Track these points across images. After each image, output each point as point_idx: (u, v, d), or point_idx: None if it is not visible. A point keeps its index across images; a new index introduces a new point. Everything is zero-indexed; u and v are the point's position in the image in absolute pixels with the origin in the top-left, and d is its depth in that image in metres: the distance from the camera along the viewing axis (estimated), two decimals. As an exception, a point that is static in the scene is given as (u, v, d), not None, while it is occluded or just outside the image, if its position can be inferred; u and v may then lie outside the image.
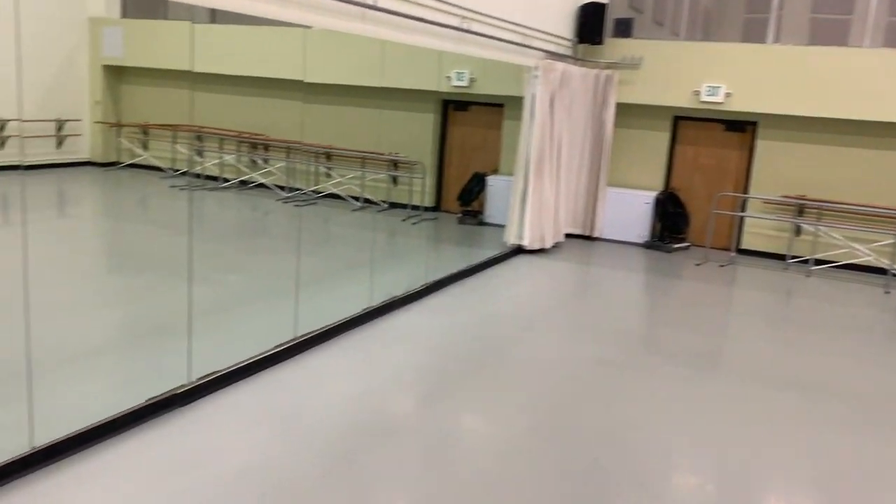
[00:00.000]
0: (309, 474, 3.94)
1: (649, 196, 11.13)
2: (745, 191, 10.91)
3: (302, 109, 13.03)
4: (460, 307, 7.39)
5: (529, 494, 3.92)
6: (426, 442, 4.42)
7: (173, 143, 14.25)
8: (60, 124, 13.96)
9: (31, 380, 4.01)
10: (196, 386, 4.73)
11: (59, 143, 14.04)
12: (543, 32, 9.62)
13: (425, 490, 3.88)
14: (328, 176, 13.00)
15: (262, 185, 13.37)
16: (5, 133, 12.85)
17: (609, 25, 11.12)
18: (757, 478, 4.31)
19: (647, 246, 11.11)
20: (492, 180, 11.76)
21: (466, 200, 11.84)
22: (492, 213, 11.70)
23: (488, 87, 11.54)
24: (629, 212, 11.21)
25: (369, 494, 3.80)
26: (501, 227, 10.57)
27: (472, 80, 11.59)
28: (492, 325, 6.88)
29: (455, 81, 11.66)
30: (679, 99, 10.82)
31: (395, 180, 12.56)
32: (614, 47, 11.11)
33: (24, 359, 3.98)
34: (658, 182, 11.43)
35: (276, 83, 12.98)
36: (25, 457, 3.70)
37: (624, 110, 11.23)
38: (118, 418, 4.21)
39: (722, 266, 10.11)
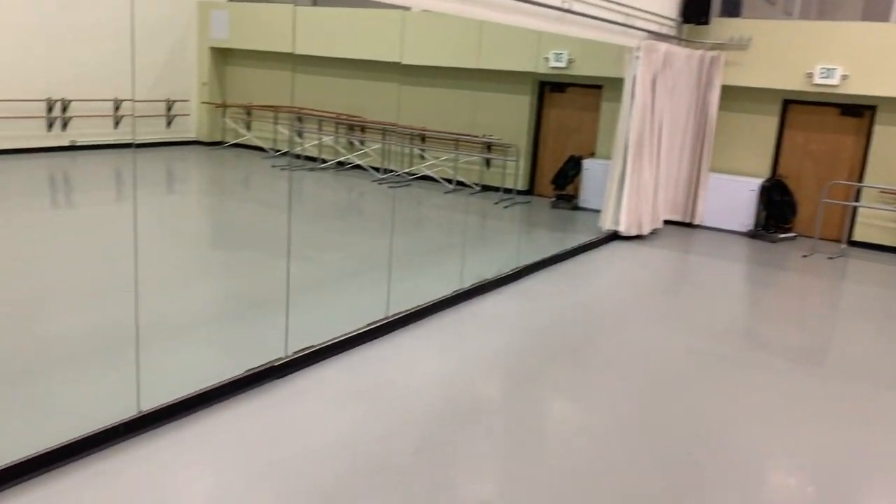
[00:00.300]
0: (399, 451, 3.98)
1: (754, 183, 10.64)
2: (860, 179, 10.26)
3: (398, 91, 13.13)
4: (552, 292, 7.29)
5: (618, 484, 3.83)
6: (515, 425, 4.39)
7: (275, 123, 14.66)
8: (170, 104, 14.60)
9: (139, 347, 4.22)
10: (292, 359, 4.86)
11: (169, 122, 14.69)
12: (646, 12, 9.29)
13: (513, 473, 3.85)
14: (422, 158, 13.07)
15: (358, 167, 13.59)
16: (120, 112, 13.56)
17: (716, 5, 10.64)
18: (861, 482, 4.06)
19: (750, 235, 10.64)
20: (588, 164, 11.52)
21: (561, 184, 11.66)
22: (587, 197, 11.48)
23: (587, 69, 11.28)
24: (732, 199, 10.75)
25: (458, 474, 3.80)
26: (597, 212, 10.35)
27: (570, 61, 11.35)
28: (584, 311, 6.76)
29: (553, 62, 11.46)
30: (790, 81, 10.25)
31: (488, 163, 12.50)
32: (721, 27, 10.62)
33: (133, 327, 4.18)
34: (764, 168, 10.90)
35: (374, 65, 13.12)
36: (132, 420, 3.90)
37: (729, 93, 10.75)
38: (219, 387, 4.38)
39: (831, 258, 9.57)
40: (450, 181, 12.57)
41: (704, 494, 3.81)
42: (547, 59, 11.49)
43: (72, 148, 13.01)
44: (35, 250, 7.39)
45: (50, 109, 12.66)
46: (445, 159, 12.75)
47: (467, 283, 6.84)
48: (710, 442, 4.39)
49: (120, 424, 3.83)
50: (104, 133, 13.46)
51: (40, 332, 5.28)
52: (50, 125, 12.73)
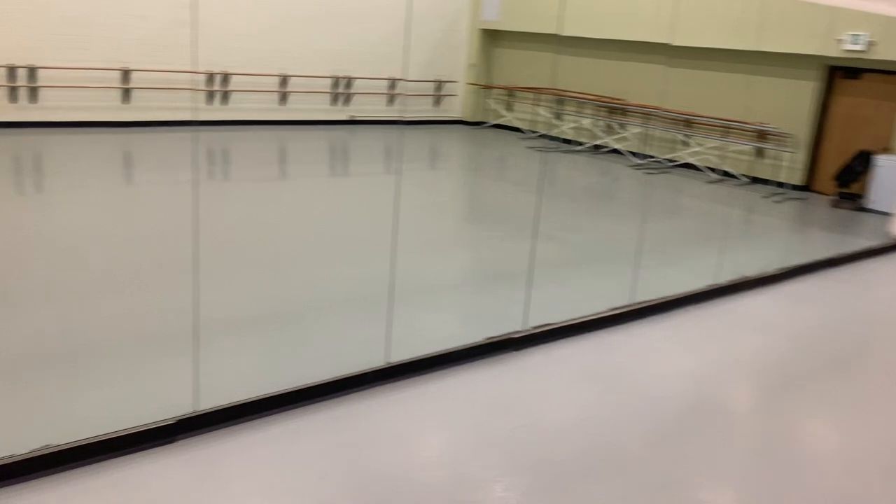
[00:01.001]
0: (630, 440, 3.80)
1: None
2: None
3: (664, 73, 12.56)
4: (822, 299, 6.53)
5: (890, 523, 3.31)
6: (762, 437, 3.99)
7: (534, 105, 14.80)
8: (439, 85, 15.35)
9: (392, 306, 4.48)
10: (530, 334, 4.86)
11: (437, 101, 15.46)
12: (976, -17, 7.88)
13: (753, 486, 3.50)
14: (685, 144, 12.40)
15: (615, 151, 13.27)
16: (394, 91, 14.55)
17: None
18: None
19: None
20: (882, 160, 10.14)
21: (845, 181, 10.40)
22: (876, 197, 10.12)
23: (892, 52, 9.88)
24: None
25: (690, 475, 3.54)
26: (887, 215, 9.09)
27: (870, 44, 10.03)
28: (857, 323, 5.96)
29: (848, 45, 10.20)
30: None
31: (760, 153, 11.52)
32: None
33: (388, 286, 4.45)
34: None
35: (641, 46, 12.68)
36: (381, 370, 4.16)
37: None
38: (459, 351, 4.51)
39: None
40: (714, 170, 11.79)
41: None
42: (840, 41, 10.27)
43: (350, 122, 14.22)
44: (309, 211, 8.20)
45: (335, 86, 13.93)
46: (711, 147, 11.98)
47: (724, 279, 6.36)
48: None
49: (370, 372, 4.11)
50: (379, 110, 14.53)
51: (314, 281, 5.83)
52: (334, 100, 14.02)
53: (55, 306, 4.95)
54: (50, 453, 3.13)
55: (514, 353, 4.73)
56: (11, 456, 3.07)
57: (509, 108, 15.42)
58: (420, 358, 4.32)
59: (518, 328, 4.86)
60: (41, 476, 3.08)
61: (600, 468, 3.54)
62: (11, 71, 10.68)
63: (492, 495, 3.27)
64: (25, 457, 3.08)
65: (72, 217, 7.08)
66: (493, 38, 15.64)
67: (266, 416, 3.69)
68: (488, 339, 4.68)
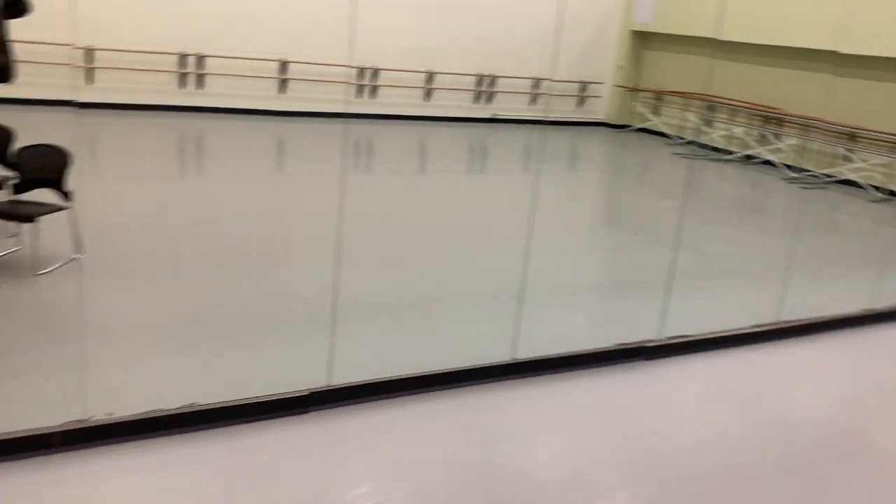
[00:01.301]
0: (762, 466, 3.58)
1: None
2: None
3: (828, 83, 11.73)
4: None
5: None
6: (921, 478, 3.64)
7: (683, 110, 14.26)
8: (584, 86, 15.12)
9: (522, 303, 4.46)
10: (664, 345, 4.69)
11: (580, 102, 15.23)
12: None
13: (910, 532, 3.21)
14: (846, 159, 11.53)
15: (767, 162, 12.55)
16: (537, 90, 14.48)
17: None
18: None
19: None
20: None
21: None
22: None
23: None
24: None
25: (835, 512, 3.30)
26: None
27: None
28: None
29: None
30: None
31: (933, 173, 10.53)
32: None
33: (517, 285, 4.44)
34: None
35: (802, 53, 11.91)
36: (507, 365, 4.15)
37: None
38: (587, 354, 4.42)
39: None
40: (879, 189, 10.90)
41: None
42: None
43: (492, 120, 14.28)
44: (446, 205, 8.32)
45: (478, 84, 14.04)
46: (877, 163, 11.08)
47: (883, 305, 5.87)
48: None
49: (496, 366, 4.11)
50: (521, 109, 14.50)
51: (447, 273, 5.92)
52: (476, 98, 14.13)
53: (207, 279, 5.30)
54: (195, 411, 3.36)
55: (646, 362, 4.58)
56: (161, 410, 3.31)
57: (656, 112, 14.94)
58: (548, 357, 4.28)
59: (652, 337, 4.70)
60: (186, 431, 3.31)
61: (727, 489, 3.36)
62: (182, 58, 11.53)
63: (612, 503, 3.18)
64: (174, 412, 3.32)
65: (228, 198, 7.56)
66: (643, 40, 15.21)
67: (393, 397, 3.78)
68: (619, 345, 4.56)
